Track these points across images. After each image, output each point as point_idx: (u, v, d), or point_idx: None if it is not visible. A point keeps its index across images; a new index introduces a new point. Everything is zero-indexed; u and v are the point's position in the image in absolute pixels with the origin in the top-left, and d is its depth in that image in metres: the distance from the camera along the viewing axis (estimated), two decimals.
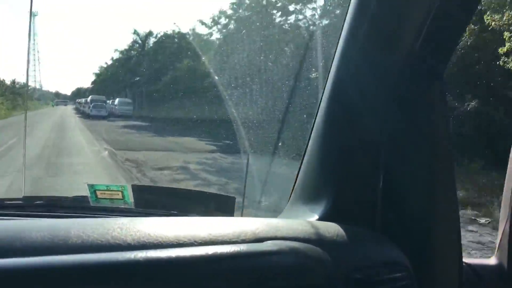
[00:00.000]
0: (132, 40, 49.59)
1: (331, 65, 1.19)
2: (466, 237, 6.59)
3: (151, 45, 47.02)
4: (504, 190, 1.28)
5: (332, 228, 1.04)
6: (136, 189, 1.55)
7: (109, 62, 59.92)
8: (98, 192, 1.51)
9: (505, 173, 1.27)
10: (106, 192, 1.52)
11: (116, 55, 55.19)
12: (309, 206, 1.22)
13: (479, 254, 5.92)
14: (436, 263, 1.11)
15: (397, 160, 1.16)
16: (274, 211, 1.42)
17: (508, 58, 10.76)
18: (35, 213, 1.37)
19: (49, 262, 0.71)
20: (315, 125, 1.24)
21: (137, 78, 47.86)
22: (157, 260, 0.76)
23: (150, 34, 47.07)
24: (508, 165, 1.25)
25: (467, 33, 11.03)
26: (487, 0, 10.25)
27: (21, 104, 43.75)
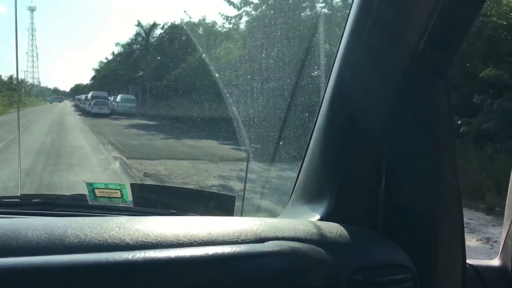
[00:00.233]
0: (135, 32, 46.82)
1: (334, 63, 1.18)
2: None
3: (156, 37, 44.49)
4: (508, 192, 1.26)
5: (334, 229, 1.02)
6: (135, 188, 1.54)
7: (110, 57, 57.53)
8: (96, 191, 1.50)
9: None
10: (105, 190, 1.51)
11: (118, 50, 52.68)
12: (310, 206, 1.21)
13: None
14: (439, 264, 1.10)
15: (400, 160, 1.15)
16: (275, 211, 1.41)
17: None
18: (32, 211, 1.36)
19: (45, 262, 0.70)
20: (316, 123, 1.23)
21: (141, 73, 45.42)
22: (156, 260, 0.75)
23: (154, 25, 44.04)
24: None
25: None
26: None
27: (17, 101, 42.80)
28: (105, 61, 59.89)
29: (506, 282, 1.26)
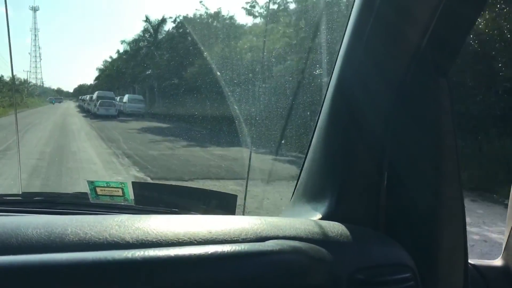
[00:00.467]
0: (142, 28, 44.39)
1: (335, 62, 1.18)
2: None
3: (165, 33, 41.39)
4: (511, 192, 1.26)
5: (335, 228, 1.02)
6: (137, 186, 1.54)
7: (115, 56, 55.48)
8: (98, 189, 1.50)
9: None
10: (106, 189, 1.51)
11: (123, 48, 49.84)
12: (312, 205, 1.20)
13: None
14: (441, 264, 1.09)
15: (402, 159, 1.14)
16: (276, 209, 1.41)
17: None
18: (34, 209, 1.36)
19: (44, 260, 0.70)
20: (318, 122, 1.23)
21: (149, 71, 42.64)
22: (155, 259, 0.74)
23: (163, 21, 41.32)
24: None
25: None
26: None
27: (19, 102, 41.37)
28: (109, 60, 58.09)
29: (509, 282, 1.25)
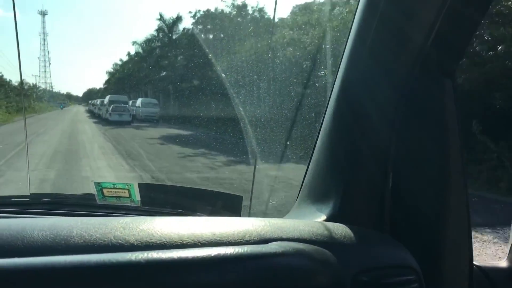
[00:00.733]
0: (156, 27, 40.52)
1: (340, 64, 1.18)
2: None
3: (180, 32, 38.55)
4: None
5: (339, 229, 1.02)
6: (143, 188, 1.55)
7: (125, 58, 52.23)
8: (105, 190, 1.51)
9: None
10: (113, 190, 1.52)
11: (135, 49, 46.93)
12: (316, 206, 1.21)
13: None
14: (446, 266, 1.09)
15: (406, 160, 1.14)
16: (282, 211, 1.41)
17: None
18: (41, 210, 1.37)
19: (48, 262, 0.70)
20: (323, 124, 1.23)
21: (163, 73, 39.24)
22: (158, 261, 0.75)
23: (178, 19, 38.23)
24: None
25: None
26: None
27: (27, 107, 39.50)
28: (119, 63, 55.57)
29: None
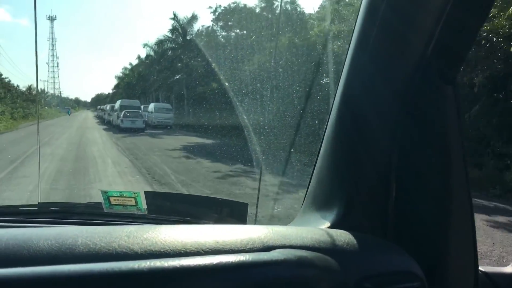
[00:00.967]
0: (170, 27, 37.79)
1: (342, 72, 1.19)
2: None
3: (195, 33, 35.68)
4: None
5: (342, 236, 1.03)
6: (149, 196, 1.56)
7: (135, 62, 50.02)
8: (111, 199, 1.52)
9: None
10: (120, 198, 1.53)
11: (146, 52, 43.81)
12: (320, 213, 1.21)
13: None
14: (451, 272, 1.09)
15: (409, 167, 1.15)
16: (288, 218, 1.41)
17: None
18: (49, 219, 1.39)
19: (53, 271, 0.71)
20: (326, 131, 1.24)
21: (177, 76, 36.25)
22: (161, 270, 0.76)
23: (194, 18, 35.46)
24: None
25: None
26: None
27: (34, 113, 37.88)
28: (129, 67, 53.42)
29: None
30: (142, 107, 32.02)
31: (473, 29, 1.10)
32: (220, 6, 31.88)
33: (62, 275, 0.71)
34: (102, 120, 39.13)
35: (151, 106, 32.31)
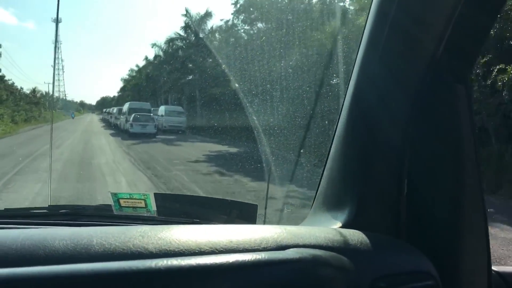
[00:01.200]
0: (182, 25, 34.89)
1: (352, 72, 1.19)
2: None
3: (208, 31, 32.61)
4: None
5: (355, 236, 1.02)
6: (159, 198, 1.56)
7: (142, 63, 47.74)
8: (121, 201, 1.53)
9: None
10: (129, 200, 1.53)
11: (155, 52, 41.69)
12: (332, 213, 1.21)
13: None
14: (464, 271, 1.08)
15: (421, 167, 1.14)
16: (297, 219, 1.41)
17: None
18: (59, 221, 1.39)
19: (71, 270, 0.72)
20: (336, 132, 1.24)
21: (189, 77, 33.84)
22: (178, 268, 0.76)
23: (207, 15, 32.29)
24: None
25: None
26: None
27: (37, 116, 36.39)
28: (136, 68, 51.25)
29: None
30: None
31: (485, 27, 1.09)
32: (238, 1, 26.63)
33: (82, 274, 0.71)
34: (108, 124, 36.63)
35: (162, 109, 29.76)
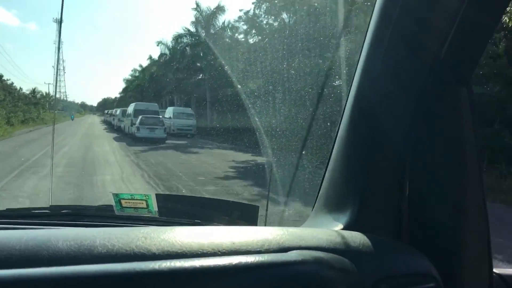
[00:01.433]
0: (193, 19, 32.12)
1: (354, 74, 1.19)
2: None
3: (219, 27, 30.07)
4: None
5: (357, 238, 1.02)
6: (160, 198, 1.57)
7: (146, 63, 45.74)
8: (123, 201, 1.53)
9: None
10: (131, 201, 1.54)
11: (160, 50, 38.06)
12: (333, 215, 1.21)
13: None
14: (466, 273, 1.08)
15: (423, 169, 1.14)
16: (298, 220, 1.40)
17: None
18: (61, 222, 1.40)
19: (75, 272, 0.72)
20: (338, 133, 1.23)
21: (200, 76, 31.64)
22: (181, 270, 0.76)
23: (219, 9, 29.67)
24: None
25: None
26: None
27: (35, 118, 34.52)
28: (139, 68, 48.66)
29: None
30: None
31: (488, 29, 1.09)
32: None
33: (86, 275, 0.71)
34: (110, 126, 34.23)
35: (169, 111, 27.28)
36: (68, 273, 0.71)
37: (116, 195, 1.53)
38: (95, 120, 53.65)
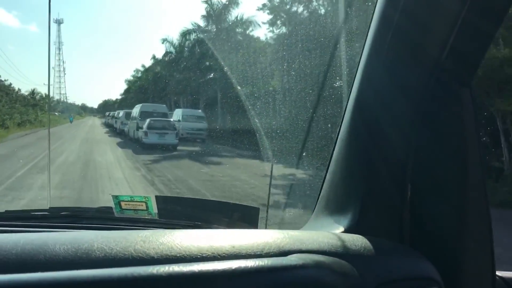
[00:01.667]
0: (204, 12, 29.03)
1: (355, 76, 1.18)
2: None
3: (231, 21, 27.31)
4: None
5: (358, 241, 1.02)
6: (160, 200, 1.56)
7: (149, 63, 43.90)
8: (122, 203, 1.52)
9: None
10: (131, 203, 1.53)
11: (165, 48, 35.88)
12: (334, 218, 1.20)
13: None
14: (468, 277, 1.08)
15: (424, 171, 1.13)
16: (299, 222, 1.40)
17: None
18: (60, 224, 1.39)
19: (72, 277, 0.71)
20: (339, 135, 1.23)
21: (210, 75, 28.60)
22: (180, 275, 0.75)
23: (233, 2, 26.99)
24: None
25: None
26: None
27: (32, 120, 32.74)
28: (141, 69, 46.80)
29: None
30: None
31: (489, 32, 1.08)
32: None
33: (83, 281, 0.70)
34: (112, 129, 31.83)
35: (178, 113, 24.40)
36: (64, 278, 0.70)
37: (115, 197, 1.53)
38: (96, 122, 52.25)
